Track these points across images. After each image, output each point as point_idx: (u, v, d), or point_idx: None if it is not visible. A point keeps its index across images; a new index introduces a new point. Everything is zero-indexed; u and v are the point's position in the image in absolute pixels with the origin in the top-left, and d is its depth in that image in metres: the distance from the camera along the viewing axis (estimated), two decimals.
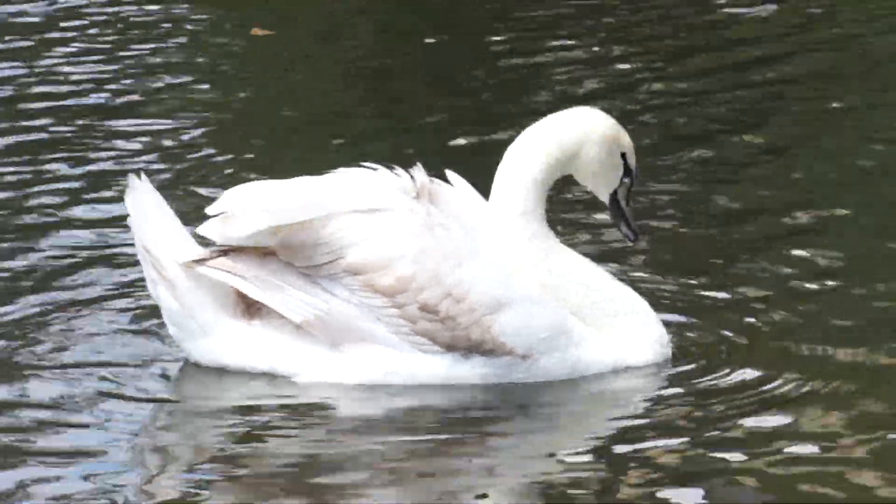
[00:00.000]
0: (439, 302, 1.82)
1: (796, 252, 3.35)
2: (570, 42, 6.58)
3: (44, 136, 4.58)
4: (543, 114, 2.34)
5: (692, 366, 2.36)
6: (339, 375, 1.89)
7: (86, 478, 1.60)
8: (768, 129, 5.11)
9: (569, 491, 1.68)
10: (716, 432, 2.00)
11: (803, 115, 5.16)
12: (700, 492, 1.70)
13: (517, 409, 2.03)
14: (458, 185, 2.09)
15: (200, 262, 1.92)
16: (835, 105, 5.40)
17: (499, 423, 1.98)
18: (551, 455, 1.88)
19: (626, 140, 2.06)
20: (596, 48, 6.44)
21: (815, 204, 3.79)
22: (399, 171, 2.04)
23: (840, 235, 3.53)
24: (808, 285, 3.02)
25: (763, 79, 5.77)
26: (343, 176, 1.99)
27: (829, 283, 3.04)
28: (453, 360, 1.87)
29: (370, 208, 1.85)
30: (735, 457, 1.85)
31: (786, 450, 1.85)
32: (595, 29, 6.82)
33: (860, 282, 3.00)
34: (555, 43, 6.38)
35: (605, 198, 2.08)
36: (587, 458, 1.88)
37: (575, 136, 2.00)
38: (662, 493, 1.71)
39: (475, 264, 1.87)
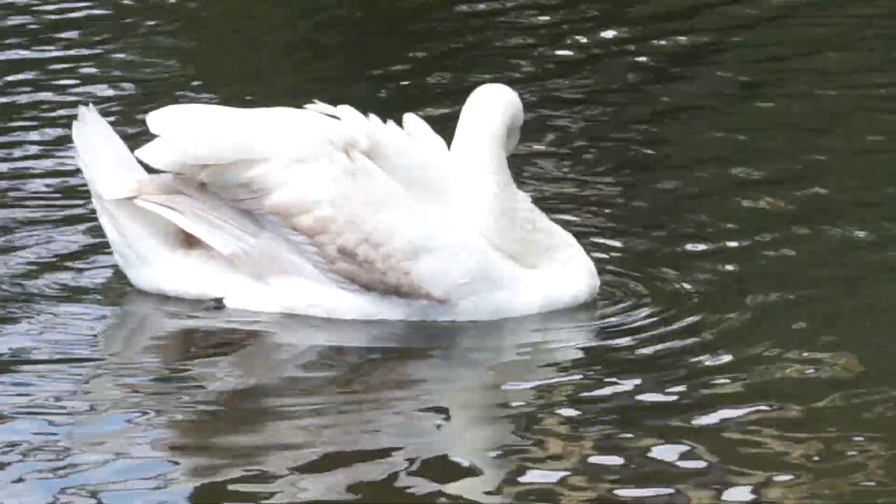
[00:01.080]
0: (356, 246, 1.93)
1: (738, 203, 3.52)
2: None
3: None
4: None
5: (616, 307, 2.52)
6: (265, 304, 2.03)
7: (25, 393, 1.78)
8: (712, 78, 5.32)
9: (476, 425, 1.90)
10: (635, 370, 2.16)
11: (746, 65, 5.34)
12: (617, 427, 1.87)
13: (436, 347, 2.18)
14: (414, 130, 2.14)
15: (138, 195, 2.01)
16: (782, 52, 5.59)
17: (414, 359, 2.13)
18: (464, 388, 2.09)
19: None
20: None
21: (756, 156, 3.98)
22: (338, 114, 2.09)
23: (781, 187, 3.74)
24: (746, 236, 3.19)
25: (705, 26, 6.00)
26: (274, 117, 2.05)
27: (766, 235, 3.22)
28: (373, 299, 2.00)
29: (293, 157, 1.92)
30: (653, 396, 2.03)
31: (709, 383, 2.07)
32: None
33: (793, 234, 3.17)
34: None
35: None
36: (496, 393, 2.07)
37: (516, 106, 2.16)
38: (581, 430, 1.86)
39: (395, 211, 1.95)
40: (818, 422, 1.89)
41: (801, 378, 2.20)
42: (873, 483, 1.60)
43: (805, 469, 1.66)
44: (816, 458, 1.72)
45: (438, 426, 1.82)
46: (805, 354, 2.28)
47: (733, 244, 3.16)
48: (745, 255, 3.08)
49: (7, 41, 5.03)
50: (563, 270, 2.10)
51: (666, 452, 1.75)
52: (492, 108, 2.07)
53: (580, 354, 2.29)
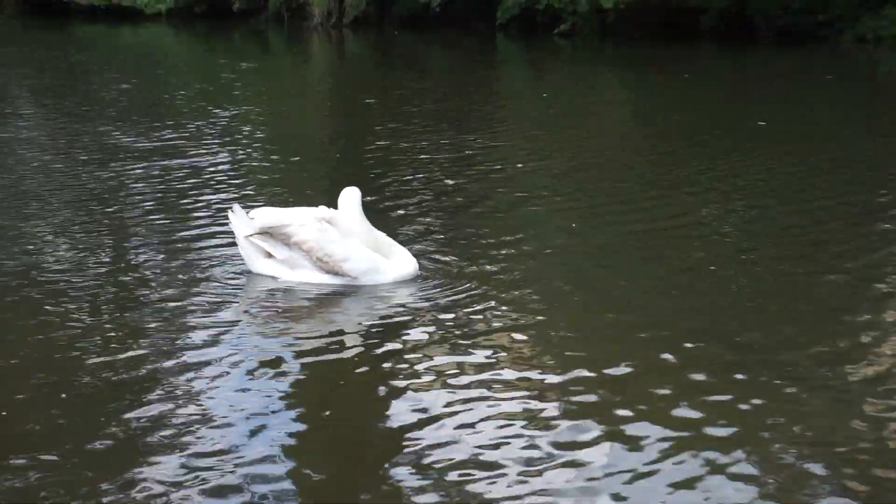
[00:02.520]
0: (322, 256, 4.44)
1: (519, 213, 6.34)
2: None
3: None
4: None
5: (428, 282, 4.62)
6: (293, 278, 4.56)
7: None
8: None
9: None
10: (452, 327, 3.95)
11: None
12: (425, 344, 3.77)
13: (348, 298, 4.40)
14: (345, 210, 4.55)
15: (250, 236, 4.71)
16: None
17: (339, 297, 4.41)
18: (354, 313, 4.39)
19: None
20: None
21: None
22: (322, 207, 4.62)
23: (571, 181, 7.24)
24: (522, 238, 5.59)
25: None
26: (293, 210, 4.68)
27: (570, 224, 5.94)
28: (330, 277, 4.51)
29: (300, 224, 4.50)
30: (472, 353, 3.66)
31: (516, 348, 3.72)
32: None
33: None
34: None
35: None
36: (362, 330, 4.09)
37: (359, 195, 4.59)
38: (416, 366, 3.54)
39: (337, 244, 4.46)
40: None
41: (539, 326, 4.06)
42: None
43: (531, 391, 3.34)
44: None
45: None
46: (561, 323, 4.15)
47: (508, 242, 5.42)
48: (518, 250, 5.25)
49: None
50: (401, 260, 4.59)
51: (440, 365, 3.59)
52: (353, 199, 4.52)
53: (407, 302, 4.41)
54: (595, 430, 3.00)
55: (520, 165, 8.32)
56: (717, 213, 6.38)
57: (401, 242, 4.86)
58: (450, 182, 7.38)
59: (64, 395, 3.35)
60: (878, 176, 7.63)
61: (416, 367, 3.62)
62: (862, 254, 5.36)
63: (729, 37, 16.78)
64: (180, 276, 4.83)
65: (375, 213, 5.44)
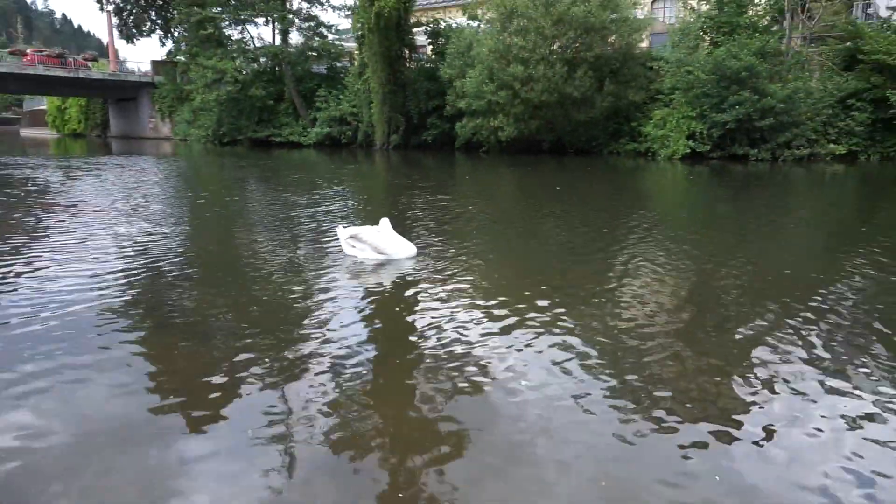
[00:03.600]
0: (375, 246, 9.63)
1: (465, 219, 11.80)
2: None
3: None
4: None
5: (431, 261, 9.35)
6: (365, 256, 9.87)
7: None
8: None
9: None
10: (440, 293, 8.77)
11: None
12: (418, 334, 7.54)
13: (387, 265, 9.54)
14: (383, 226, 9.82)
15: (345, 238, 10.24)
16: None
17: (382, 266, 9.50)
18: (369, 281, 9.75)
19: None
20: None
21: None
22: (377, 225, 10.28)
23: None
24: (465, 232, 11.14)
25: None
26: (363, 227, 10.08)
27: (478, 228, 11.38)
28: (378, 255, 9.70)
29: (366, 232, 9.83)
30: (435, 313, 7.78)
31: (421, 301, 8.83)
32: None
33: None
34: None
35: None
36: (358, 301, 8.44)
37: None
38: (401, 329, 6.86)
39: (382, 239, 9.65)
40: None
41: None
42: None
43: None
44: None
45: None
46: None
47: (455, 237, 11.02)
48: (454, 244, 10.85)
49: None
50: (408, 247, 9.81)
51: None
52: (386, 222, 9.88)
53: (412, 265, 9.11)
54: (524, 313, 6.96)
55: (471, 208, 14.35)
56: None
57: (410, 240, 10.28)
58: (435, 217, 13.36)
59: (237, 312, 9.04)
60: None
61: (419, 293, 7.40)
62: None
63: (552, 152, 33.78)
64: (312, 252, 10.35)
65: (399, 228, 10.90)
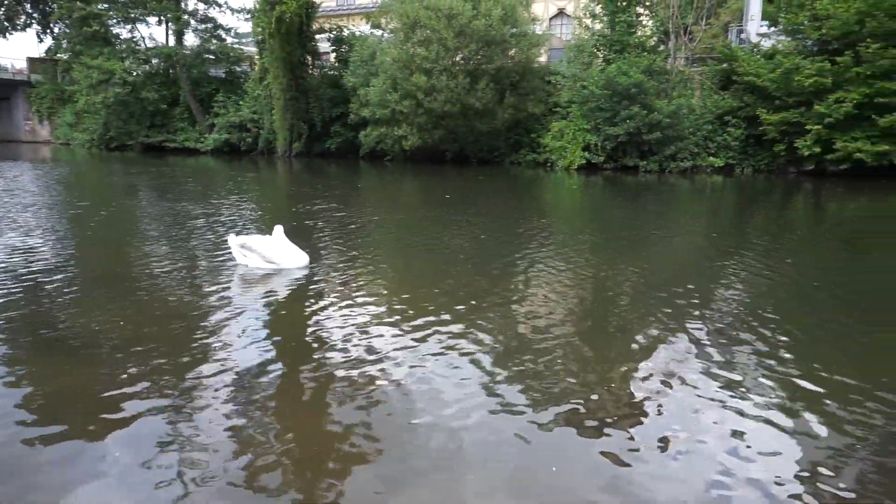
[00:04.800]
0: (264, 254, 9.53)
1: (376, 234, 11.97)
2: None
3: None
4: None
5: (326, 267, 9.84)
6: (253, 265, 9.61)
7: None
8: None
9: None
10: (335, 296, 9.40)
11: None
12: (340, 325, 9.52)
13: (276, 275, 9.63)
14: (276, 234, 9.70)
15: (236, 247, 9.89)
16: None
17: (271, 276, 9.48)
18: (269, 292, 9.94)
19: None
20: None
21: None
22: (271, 232, 10.14)
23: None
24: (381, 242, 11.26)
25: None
26: (253, 236, 9.90)
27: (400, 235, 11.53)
28: (265, 262, 9.53)
29: (255, 241, 9.67)
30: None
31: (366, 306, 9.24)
32: None
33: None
34: None
35: None
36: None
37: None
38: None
39: (271, 248, 9.54)
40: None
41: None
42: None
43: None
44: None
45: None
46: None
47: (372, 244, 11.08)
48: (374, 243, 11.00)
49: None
50: (300, 256, 9.71)
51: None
52: (279, 229, 9.99)
53: (305, 274, 9.30)
54: (427, 320, 7.67)
55: (374, 218, 14.35)
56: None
57: (305, 250, 10.19)
58: (334, 226, 13.29)
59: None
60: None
61: (312, 304, 8.00)
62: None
63: (455, 162, 34.55)
64: (204, 263, 10.00)
65: (293, 236, 10.69)
